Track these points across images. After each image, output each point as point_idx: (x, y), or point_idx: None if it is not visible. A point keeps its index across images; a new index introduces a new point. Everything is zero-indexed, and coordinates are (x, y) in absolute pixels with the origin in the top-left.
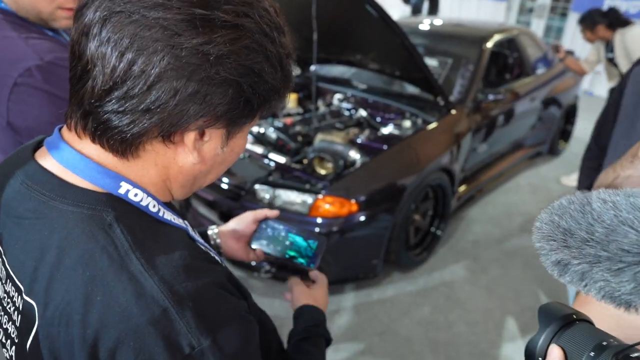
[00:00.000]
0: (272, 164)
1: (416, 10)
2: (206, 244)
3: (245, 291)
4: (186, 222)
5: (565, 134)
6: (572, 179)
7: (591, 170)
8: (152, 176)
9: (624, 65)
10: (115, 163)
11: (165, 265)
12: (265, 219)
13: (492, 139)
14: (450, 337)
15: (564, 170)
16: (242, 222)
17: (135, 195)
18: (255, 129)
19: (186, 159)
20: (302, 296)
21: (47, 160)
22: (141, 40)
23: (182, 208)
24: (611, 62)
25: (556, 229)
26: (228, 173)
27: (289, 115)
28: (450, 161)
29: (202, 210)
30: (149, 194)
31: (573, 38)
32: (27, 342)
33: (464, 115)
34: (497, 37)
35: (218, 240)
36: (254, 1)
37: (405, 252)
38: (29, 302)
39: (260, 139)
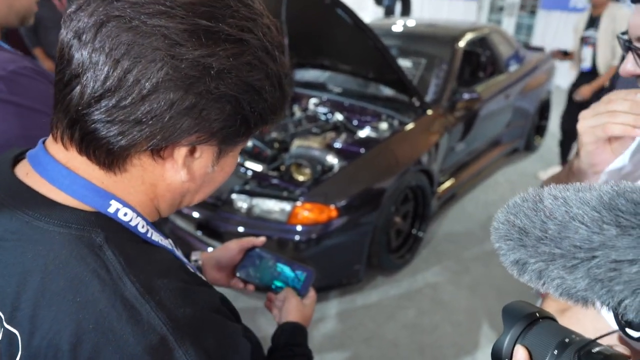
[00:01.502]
0: (249, 172)
1: (389, 12)
2: (193, 266)
3: (236, 312)
4: (171, 241)
5: (540, 129)
6: (549, 174)
7: None
8: (139, 194)
9: (603, 45)
10: (102, 178)
11: (162, 290)
12: (252, 248)
13: (469, 138)
14: (436, 339)
15: (541, 165)
16: (228, 252)
17: (125, 214)
18: None
19: (175, 177)
20: (294, 310)
21: (29, 176)
22: (139, 47)
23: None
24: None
25: (512, 228)
26: None
27: None
28: (428, 162)
29: (179, 221)
30: (138, 214)
31: (543, 35)
32: None
33: (440, 115)
34: (469, 36)
35: (200, 263)
36: (257, 17)
37: (388, 256)
38: (11, 331)
39: None
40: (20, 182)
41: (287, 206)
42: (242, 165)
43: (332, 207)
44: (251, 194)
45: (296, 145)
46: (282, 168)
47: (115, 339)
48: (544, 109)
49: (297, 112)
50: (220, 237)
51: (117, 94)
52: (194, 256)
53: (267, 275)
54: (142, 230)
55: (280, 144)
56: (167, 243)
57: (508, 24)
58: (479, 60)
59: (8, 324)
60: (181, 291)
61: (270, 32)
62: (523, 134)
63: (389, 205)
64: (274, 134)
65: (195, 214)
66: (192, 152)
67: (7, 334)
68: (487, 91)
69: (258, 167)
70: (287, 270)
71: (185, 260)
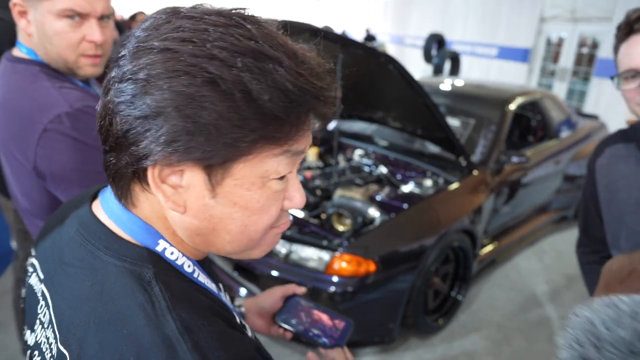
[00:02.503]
0: (290, 217)
1: (438, 70)
2: (237, 312)
3: None
4: (220, 285)
5: None
6: None
7: (594, 265)
8: (164, 231)
9: None
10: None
11: (200, 331)
12: (293, 295)
13: (515, 202)
14: None
15: None
16: (270, 299)
17: (172, 253)
18: None
19: (170, 209)
20: None
21: (99, 209)
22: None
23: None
24: None
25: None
26: None
27: (309, 168)
28: (471, 223)
29: (217, 260)
30: (183, 254)
31: (596, 102)
32: None
33: (487, 176)
34: (520, 100)
35: (242, 309)
36: (207, 26)
37: (424, 317)
38: (62, 352)
39: None
40: (94, 216)
41: (325, 255)
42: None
43: (371, 260)
44: (291, 239)
45: (338, 194)
46: (323, 216)
47: None
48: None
49: (342, 162)
50: (256, 279)
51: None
52: (238, 301)
53: (305, 323)
54: (189, 270)
55: (322, 191)
56: (213, 286)
57: (559, 89)
58: (529, 124)
59: (61, 344)
60: (219, 334)
61: (225, 36)
62: (573, 202)
63: (428, 264)
64: (317, 181)
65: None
66: (171, 179)
67: (60, 353)
68: (536, 156)
69: (299, 213)
70: (325, 319)
71: (230, 305)
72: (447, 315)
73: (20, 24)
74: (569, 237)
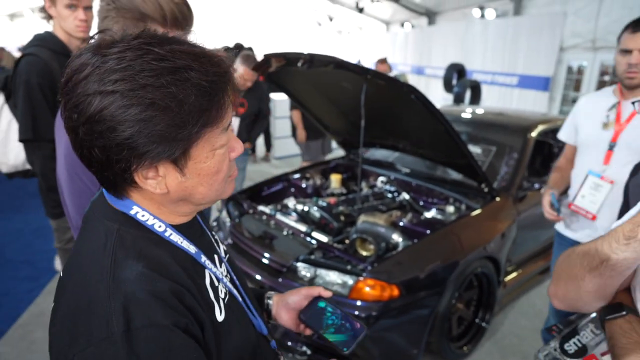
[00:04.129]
0: (314, 242)
1: (459, 99)
2: (212, 269)
3: (195, 311)
4: (216, 257)
5: None
6: None
7: None
8: (150, 204)
9: None
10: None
11: (127, 268)
12: (318, 297)
13: (540, 228)
14: None
15: None
16: (295, 296)
17: (143, 216)
18: (299, 207)
19: (155, 191)
20: None
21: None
22: None
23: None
24: None
25: None
26: (269, 248)
27: (332, 195)
28: (495, 249)
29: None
30: (155, 217)
31: None
32: None
33: (510, 203)
34: (541, 127)
35: (270, 302)
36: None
37: (448, 344)
38: None
39: (304, 217)
40: (104, 199)
41: (349, 280)
42: (308, 234)
43: (395, 286)
44: (315, 264)
45: (362, 220)
46: (347, 241)
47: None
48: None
49: (365, 189)
50: None
51: None
52: (268, 295)
53: (324, 322)
54: (159, 230)
55: (346, 217)
56: (191, 247)
57: None
58: (551, 151)
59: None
60: (139, 274)
61: (144, 65)
62: None
63: (452, 290)
64: (341, 207)
65: (258, 277)
66: (150, 174)
67: None
68: None
69: (324, 238)
70: (344, 321)
71: (212, 270)
72: (471, 342)
73: None
74: None
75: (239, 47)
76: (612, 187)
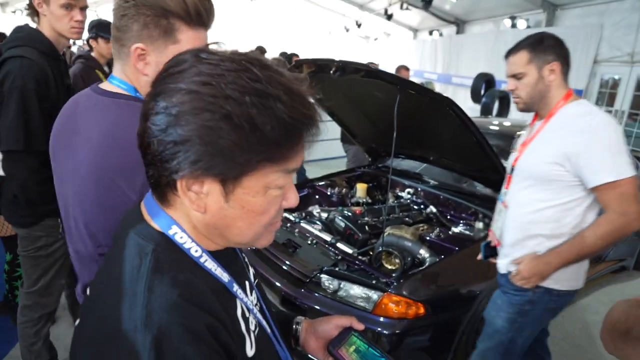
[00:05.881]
0: (338, 253)
1: (486, 110)
2: (244, 299)
3: (228, 348)
4: (247, 284)
5: None
6: None
7: None
8: (186, 223)
9: None
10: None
11: (160, 296)
12: (349, 328)
13: None
14: None
15: None
16: (325, 325)
17: (181, 237)
18: (324, 215)
19: (194, 210)
20: None
21: (143, 205)
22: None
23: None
24: None
25: None
26: (292, 257)
27: (358, 204)
28: None
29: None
30: (193, 240)
31: None
32: None
33: None
34: None
35: (299, 328)
36: (224, 72)
37: None
38: None
39: (328, 226)
40: (140, 211)
41: (374, 295)
42: (333, 245)
43: (421, 304)
44: (340, 276)
45: (388, 232)
46: (372, 253)
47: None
48: None
49: (391, 200)
50: (303, 313)
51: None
52: (298, 320)
53: (354, 356)
54: (195, 254)
55: (371, 228)
56: (224, 275)
57: None
58: None
59: None
60: (173, 303)
61: (237, 79)
62: (633, 252)
63: (480, 310)
64: (366, 218)
65: (279, 284)
66: (194, 187)
67: None
68: None
69: (348, 250)
70: (376, 357)
71: (244, 300)
72: None
73: (138, 65)
74: (629, 289)
75: (261, 50)
76: (506, 211)
